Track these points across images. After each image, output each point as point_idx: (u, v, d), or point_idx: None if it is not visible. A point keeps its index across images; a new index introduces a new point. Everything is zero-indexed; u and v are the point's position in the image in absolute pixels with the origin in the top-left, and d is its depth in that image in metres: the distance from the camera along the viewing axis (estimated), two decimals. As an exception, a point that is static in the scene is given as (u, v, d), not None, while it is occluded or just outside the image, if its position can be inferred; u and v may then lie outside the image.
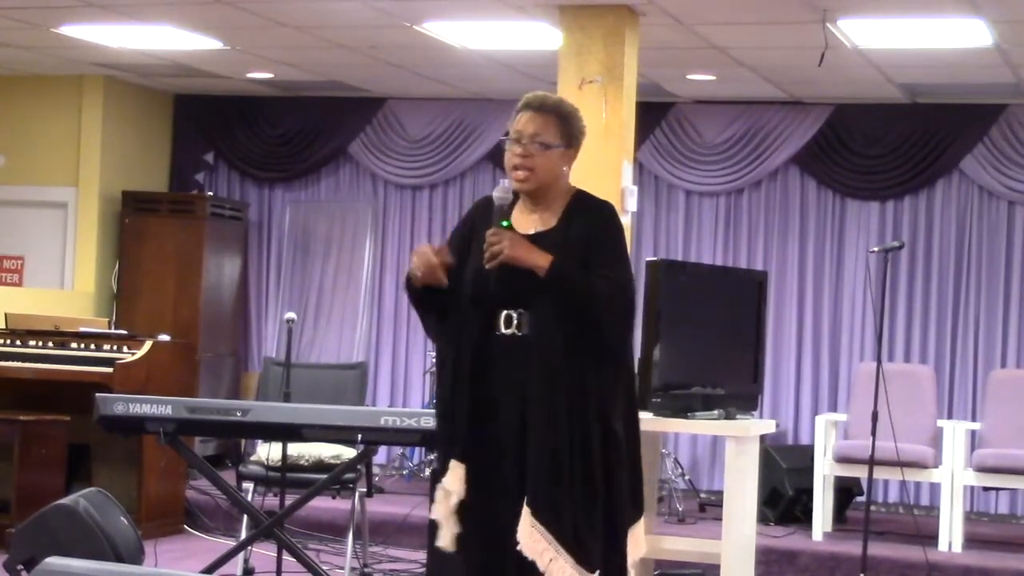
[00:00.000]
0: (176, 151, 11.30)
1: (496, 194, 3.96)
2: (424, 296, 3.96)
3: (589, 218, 3.96)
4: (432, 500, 4.03)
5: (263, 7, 7.97)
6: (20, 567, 6.08)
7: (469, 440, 3.88)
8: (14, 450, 7.64)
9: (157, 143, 11.19)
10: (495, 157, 10.61)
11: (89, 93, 10.58)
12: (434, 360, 9.88)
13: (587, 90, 7.20)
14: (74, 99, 10.60)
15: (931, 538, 8.22)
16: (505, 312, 3.85)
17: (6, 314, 8.75)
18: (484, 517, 3.87)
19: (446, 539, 3.96)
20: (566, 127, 3.98)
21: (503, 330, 3.85)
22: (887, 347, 9.62)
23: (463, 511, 3.92)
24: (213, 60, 9.66)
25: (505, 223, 3.92)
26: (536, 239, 3.90)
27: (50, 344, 8.27)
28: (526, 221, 3.96)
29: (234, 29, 8.63)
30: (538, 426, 3.78)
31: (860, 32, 7.81)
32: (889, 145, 9.93)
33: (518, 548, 3.77)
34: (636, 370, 4.16)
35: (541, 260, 3.81)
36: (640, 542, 4.03)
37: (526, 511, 3.77)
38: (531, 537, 3.74)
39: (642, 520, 4.05)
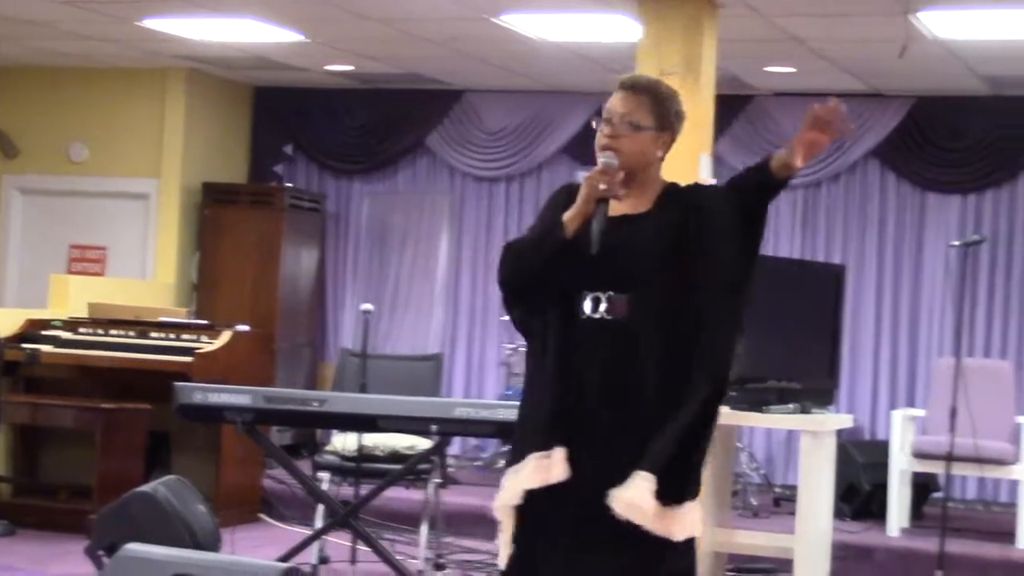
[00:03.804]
0: (256, 143, 11.39)
1: (603, 160, 3.71)
2: (551, 262, 3.68)
3: (692, 199, 3.76)
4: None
5: (345, 0, 8.02)
6: (101, 552, 6.18)
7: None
8: (96, 437, 7.77)
9: (237, 135, 11.29)
10: (572, 150, 10.61)
11: (171, 85, 10.69)
12: (522, 349, 9.93)
13: (666, 82, 7.16)
14: (157, 91, 10.72)
15: (1010, 535, 8.12)
16: (605, 295, 3.67)
17: (89, 304, 8.87)
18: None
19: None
20: (660, 109, 3.78)
21: (602, 315, 3.68)
22: (966, 342, 9.51)
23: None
24: (294, 53, 9.73)
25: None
26: (624, 222, 3.71)
27: (131, 333, 8.38)
28: (616, 207, 3.72)
29: (316, 22, 8.69)
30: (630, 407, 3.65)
31: (942, 23, 7.72)
32: (971, 138, 9.81)
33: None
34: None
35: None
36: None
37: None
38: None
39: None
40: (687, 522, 3.64)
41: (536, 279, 3.74)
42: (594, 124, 3.79)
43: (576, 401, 3.68)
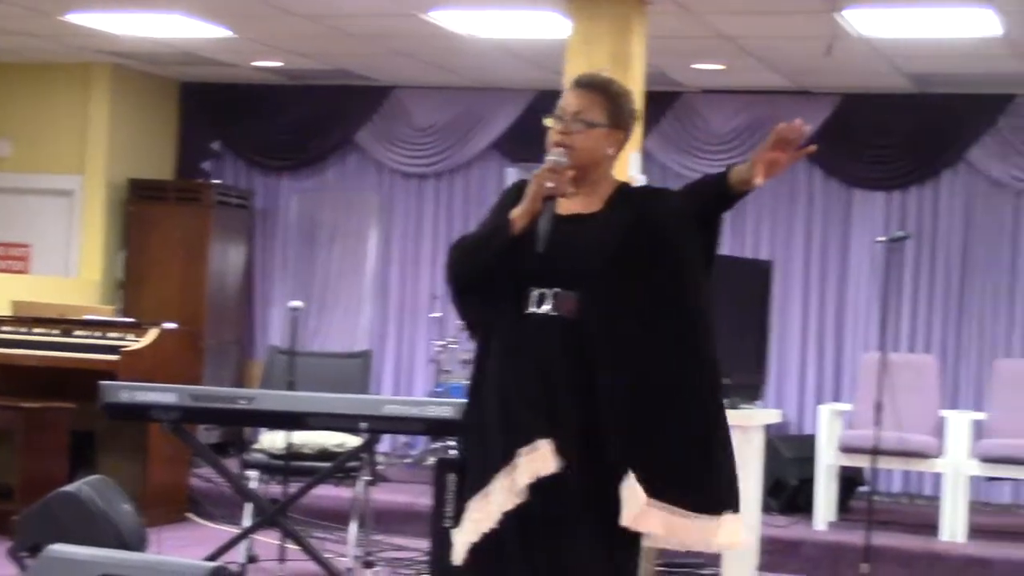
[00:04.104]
0: (183, 139, 11.30)
1: (551, 157, 3.70)
2: (498, 258, 3.68)
3: (645, 200, 3.78)
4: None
5: (269, -5, 7.98)
6: (24, 554, 6.10)
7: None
8: (19, 437, 7.66)
9: (164, 131, 11.19)
10: (501, 146, 10.60)
11: (96, 81, 10.58)
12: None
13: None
14: (81, 87, 10.60)
15: (934, 528, 8.22)
16: (552, 291, 3.66)
17: (13, 302, 8.76)
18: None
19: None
20: (613, 106, 3.77)
21: (547, 311, 3.67)
22: (892, 337, 9.61)
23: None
24: (221, 48, 9.66)
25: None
26: (575, 220, 3.72)
27: (56, 332, 8.28)
28: (567, 205, 3.73)
29: (243, 17, 8.63)
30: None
31: (868, 21, 7.80)
32: (896, 135, 9.91)
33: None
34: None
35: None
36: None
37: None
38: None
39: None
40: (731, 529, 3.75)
41: (483, 276, 3.75)
42: (545, 121, 3.80)
43: (519, 400, 3.68)
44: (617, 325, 3.66)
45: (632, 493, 3.58)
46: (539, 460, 3.59)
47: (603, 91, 3.80)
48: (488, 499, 3.62)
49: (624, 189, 3.85)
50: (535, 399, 3.66)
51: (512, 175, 9.55)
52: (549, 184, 3.64)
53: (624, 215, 3.75)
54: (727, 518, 3.71)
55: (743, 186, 3.62)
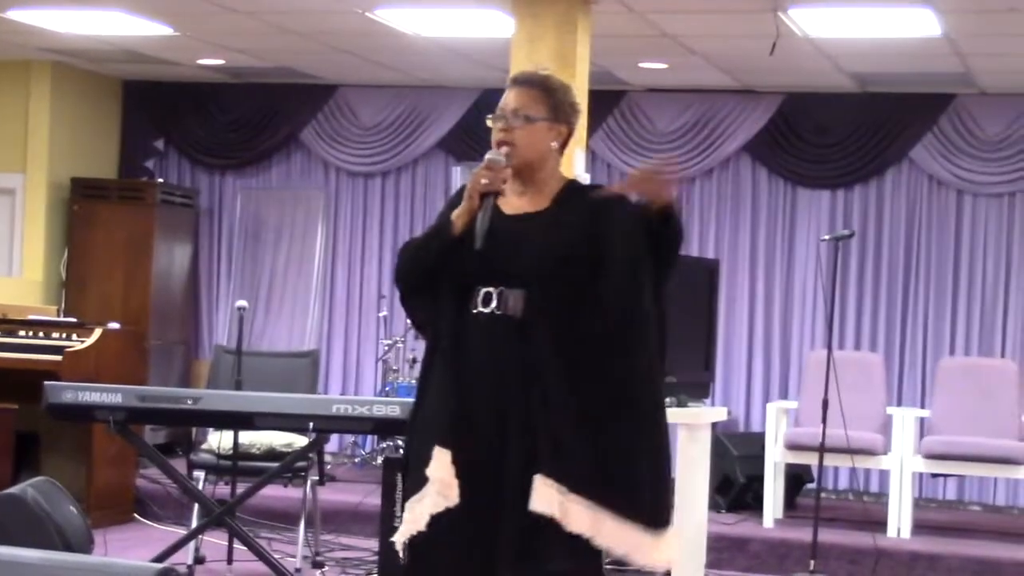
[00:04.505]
0: (125, 138, 11.21)
1: (489, 156, 3.72)
2: (440, 258, 3.70)
3: (594, 199, 3.77)
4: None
5: (214, -7, 7.92)
6: (-33, 557, 6.03)
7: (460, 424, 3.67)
8: (-39, 439, 7.59)
9: (106, 129, 11.10)
10: (447, 145, 10.59)
11: (37, 78, 10.47)
12: (399, 345, 9.89)
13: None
14: (21, 84, 10.49)
15: (880, 524, 8.28)
16: (497, 290, 3.67)
17: (-47, 302, 8.67)
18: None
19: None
20: (552, 100, 3.79)
21: (492, 310, 3.67)
22: (837, 335, 9.68)
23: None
24: (163, 46, 9.58)
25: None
26: (523, 218, 3.74)
27: (-2, 332, 8.20)
28: (515, 204, 3.76)
29: (184, 15, 8.56)
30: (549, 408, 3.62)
31: (811, 21, 7.84)
32: (840, 134, 9.98)
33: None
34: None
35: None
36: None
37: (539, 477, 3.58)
38: (542, 489, 3.56)
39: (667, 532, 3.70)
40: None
41: (428, 277, 3.77)
42: (487, 121, 3.80)
43: (465, 399, 3.68)
44: (561, 325, 3.66)
45: (541, 483, 3.57)
46: (439, 468, 3.61)
47: (541, 86, 3.82)
48: (422, 502, 3.63)
49: (572, 186, 3.86)
50: (477, 398, 3.66)
51: (458, 173, 9.54)
52: (484, 181, 3.65)
53: (572, 213, 3.75)
54: (654, 535, 3.65)
55: (657, 216, 3.66)
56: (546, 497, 3.56)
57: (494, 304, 3.69)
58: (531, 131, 3.75)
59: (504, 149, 3.71)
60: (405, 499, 3.71)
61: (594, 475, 3.60)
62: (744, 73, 9.52)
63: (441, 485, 3.62)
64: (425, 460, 3.65)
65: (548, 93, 3.81)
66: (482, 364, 3.67)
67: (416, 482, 3.67)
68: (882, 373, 8.91)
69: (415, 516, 3.64)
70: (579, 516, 3.58)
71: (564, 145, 3.86)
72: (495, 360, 3.67)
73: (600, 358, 3.66)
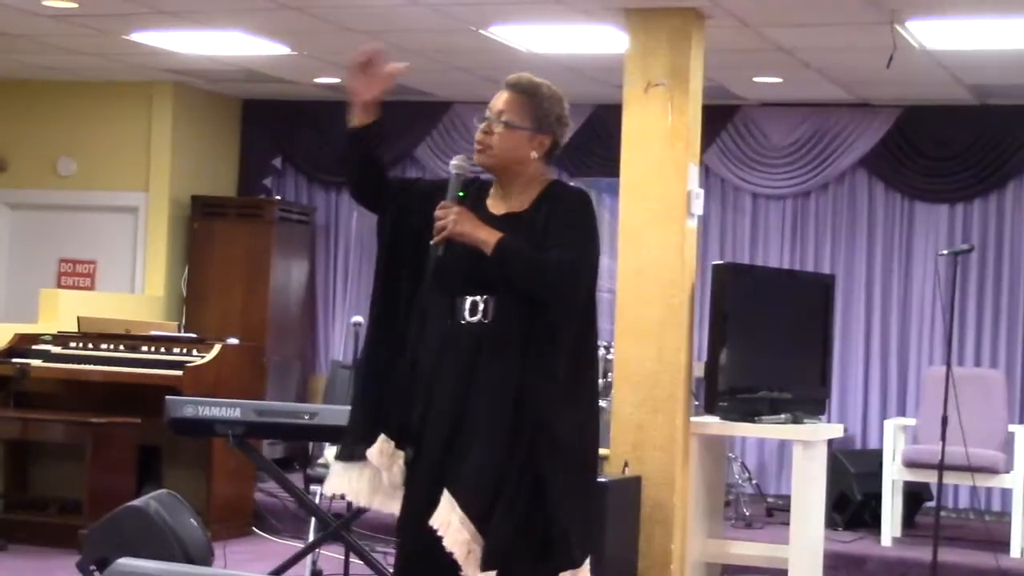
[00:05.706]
0: (244, 156, 11.38)
1: (453, 162, 3.82)
2: (362, 165, 4.03)
3: (557, 203, 3.79)
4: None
5: (331, 12, 8.02)
6: (93, 567, 6.16)
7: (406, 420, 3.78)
8: (86, 452, 7.74)
9: (226, 148, 11.28)
10: (559, 160, 10.58)
11: (159, 99, 10.69)
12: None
13: (653, 93, 7.18)
14: (144, 105, 10.71)
15: (1002, 544, 8.13)
16: (470, 299, 3.72)
17: (78, 318, 8.85)
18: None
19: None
20: (538, 111, 3.84)
21: (468, 318, 3.71)
22: (957, 351, 9.53)
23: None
24: (281, 65, 9.73)
25: (461, 194, 3.80)
26: (504, 220, 3.78)
27: (121, 347, 8.36)
28: (498, 205, 3.84)
29: (302, 34, 8.69)
30: (480, 420, 3.64)
31: (929, 33, 7.74)
32: (958, 147, 9.83)
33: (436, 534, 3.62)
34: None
35: (487, 236, 3.65)
36: None
37: (449, 499, 3.62)
38: (452, 526, 3.61)
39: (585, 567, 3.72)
40: None
41: (358, 172, 4.19)
42: (476, 121, 3.86)
43: (426, 406, 3.75)
44: (523, 330, 3.68)
45: (445, 500, 3.63)
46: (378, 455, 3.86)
47: (531, 94, 3.87)
48: (361, 476, 3.93)
49: (552, 189, 3.88)
50: (438, 406, 3.73)
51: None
52: (439, 223, 3.76)
53: (545, 215, 3.78)
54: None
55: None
56: (443, 513, 3.65)
57: (467, 310, 3.74)
58: (510, 137, 3.82)
59: (477, 147, 3.85)
60: (337, 457, 3.96)
61: (491, 503, 3.65)
62: (860, 86, 9.43)
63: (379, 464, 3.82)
64: (367, 440, 3.84)
65: (536, 102, 3.86)
66: (456, 369, 3.72)
67: (351, 452, 3.90)
68: (1003, 390, 8.75)
69: (354, 489, 3.90)
70: (458, 538, 3.62)
71: (548, 155, 3.89)
72: (471, 368, 3.72)
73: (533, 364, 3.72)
